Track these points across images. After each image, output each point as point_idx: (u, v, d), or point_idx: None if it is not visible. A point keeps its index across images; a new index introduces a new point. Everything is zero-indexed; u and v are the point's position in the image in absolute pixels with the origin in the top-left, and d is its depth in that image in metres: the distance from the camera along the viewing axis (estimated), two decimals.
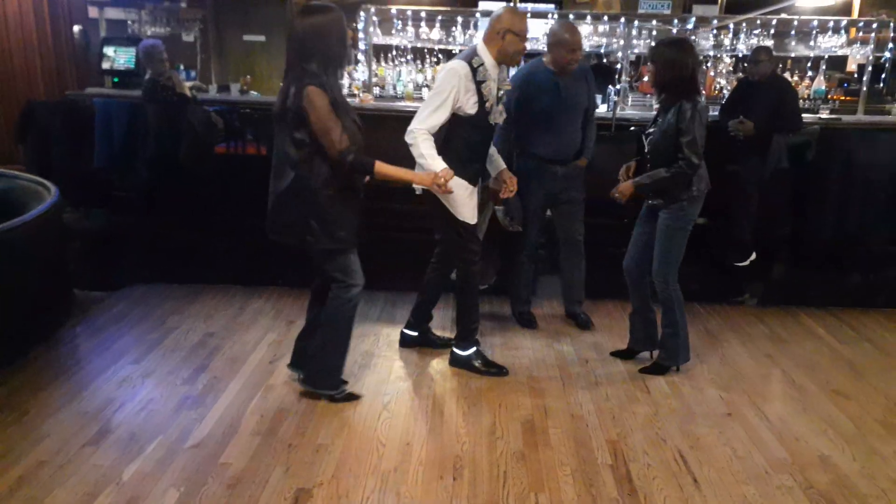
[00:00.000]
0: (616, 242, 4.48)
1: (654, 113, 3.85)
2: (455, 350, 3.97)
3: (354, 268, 3.37)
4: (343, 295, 3.37)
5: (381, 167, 3.21)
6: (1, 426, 3.25)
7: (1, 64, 8.28)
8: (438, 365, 4.03)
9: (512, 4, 7.29)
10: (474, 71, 3.52)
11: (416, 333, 4.23)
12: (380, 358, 4.08)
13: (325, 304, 3.45)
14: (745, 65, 5.75)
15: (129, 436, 3.21)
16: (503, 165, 3.93)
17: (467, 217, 3.69)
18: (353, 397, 3.59)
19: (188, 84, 6.50)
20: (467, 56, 3.56)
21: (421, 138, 3.46)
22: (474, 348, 3.94)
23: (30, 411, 3.39)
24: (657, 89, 3.71)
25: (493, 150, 3.88)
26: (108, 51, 7.31)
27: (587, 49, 7.32)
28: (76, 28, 8.22)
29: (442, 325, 4.52)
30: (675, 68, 3.58)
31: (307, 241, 3.24)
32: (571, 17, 7.14)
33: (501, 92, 3.70)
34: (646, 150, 3.81)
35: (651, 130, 3.79)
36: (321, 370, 3.52)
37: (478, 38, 4.28)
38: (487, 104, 3.57)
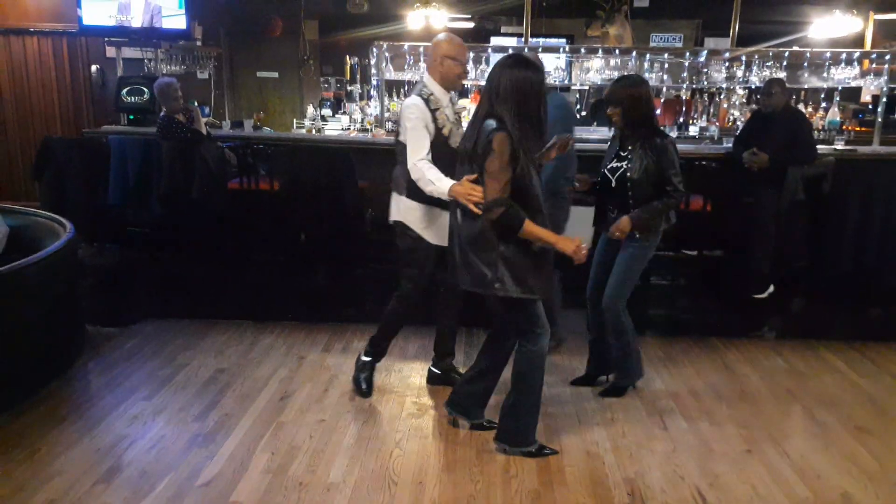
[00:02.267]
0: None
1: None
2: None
3: (541, 314, 3.27)
4: (532, 347, 3.28)
5: (530, 226, 3.07)
6: (12, 464, 3.23)
7: (20, 103, 8.46)
8: None
9: (524, 41, 7.34)
10: (426, 101, 3.58)
11: (438, 371, 4.16)
12: (392, 394, 4.04)
13: (498, 353, 3.46)
14: (759, 97, 5.74)
15: (139, 474, 3.18)
16: None
17: (432, 238, 3.70)
18: (550, 451, 3.44)
19: (203, 121, 6.57)
20: (417, 90, 3.66)
21: (425, 166, 3.46)
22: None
23: (41, 449, 3.37)
24: (630, 128, 3.75)
25: None
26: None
27: (599, 83, 7.36)
28: (94, 67, 8.37)
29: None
30: (642, 104, 3.70)
31: (495, 289, 3.13)
32: (583, 50, 7.20)
33: (461, 114, 3.82)
34: (612, 185, 3.78)
35: (617, 165, 3.77)
36: (517, 429, 3.39)
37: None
38: (444, 130, 3.61)
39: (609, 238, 3.84)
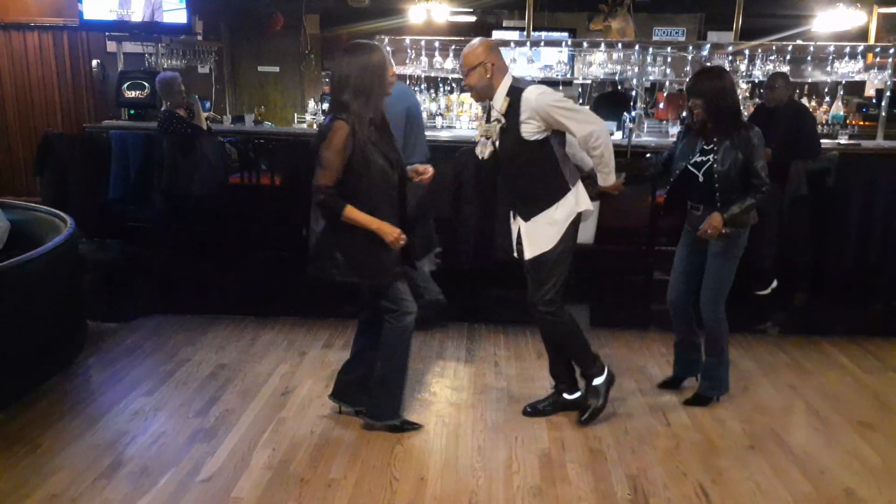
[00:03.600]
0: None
1: (674, 139, 3.80)
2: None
3: (403, 295, 3.35)
4: (398, 324, 3.35)
5: (351, 212, 3.14)
6: (13, 459, 3.23)
7: (21, 97, 8.44)
8: (453, 396, 3.97)
9: (526, 35, 7.31)
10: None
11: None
12: None
13: (372, 336, 3.45)
14: (762, 91, 5.72)
15: (140, 469, 3.17)
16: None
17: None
18: (412, 426, 3.56)
19: (203, 115, 6.55)
20: None
21: (608, 139, 3.42)
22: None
23: (42, 444, 3.36)
24: (713, 120, 3.59)
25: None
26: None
27: (601, 77, 7.34)
28: (94, 62, 8.35)
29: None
30: (726, 95, 3.56)
31: (332, 274, 3.26)
32: (585, 44, 7.17)
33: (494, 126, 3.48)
34: (698, 180, 3.64)
35: (703, 160, 3.63)
36: (382, 402, 3.49)
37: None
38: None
39: (696, 237, 3.73)
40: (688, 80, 3.71)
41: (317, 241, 3.34)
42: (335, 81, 3.19)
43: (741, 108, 3.73)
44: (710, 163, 3.61)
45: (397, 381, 3.48)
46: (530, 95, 3.30)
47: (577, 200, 3.48)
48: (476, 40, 3.45)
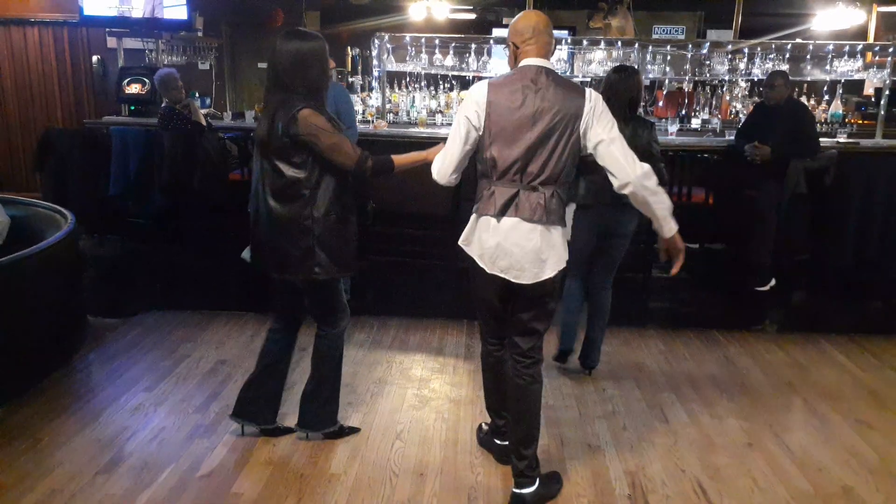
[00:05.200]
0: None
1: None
2: None
3: (342, 298, 3.30)
4: (334, 330, 3.27)
5: (398, 158, 3.15)
6: (14, 454, 3.24)
7: (21, 93, 8.44)
8: (452, 392, 3.98)
9: None
10: None
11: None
12: (392, 386, 4.04)
13: (285, 348, 3.37)
14: (762, 89, 5.73)
15: (141, 464, 3.18)
16: None
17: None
18: (352, 430, 3.50)
19: (203, 111, 6.55)
20: None
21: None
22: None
23: (43, 439, 3.37)
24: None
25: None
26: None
27: (601, 75, 7.33)
28: (94, 58, 8.34)
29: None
30: None
31: (315, 273, 3.07)
32: (585, 42, 7.17)
33: None
34: None
35: None
36: (321, 410, 3.38)
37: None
38: None
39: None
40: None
41: (277, 240, 3.10)
42: (284, 65, 2.97)
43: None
44: None
45: (335, 386, 3.38)
46: None
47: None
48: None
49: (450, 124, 7.13)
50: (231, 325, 4.87)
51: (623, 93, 3.86)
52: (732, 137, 5.86)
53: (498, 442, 3.30)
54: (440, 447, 3.40)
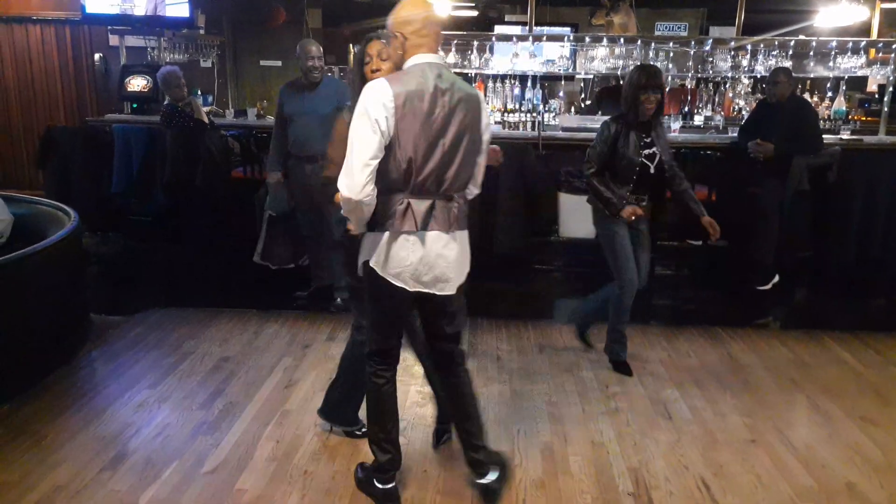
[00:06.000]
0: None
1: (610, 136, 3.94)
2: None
3: None
4: (361, 337, 3.06)
5: None
6: (18, 451, 3.24)
7: (24, 91, 8.44)
8: None
9: (529, 29, 7.30)
10: None
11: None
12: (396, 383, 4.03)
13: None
14: (765, 86, 5.72)
15: (145, 461, 3.19)
16: None
17: None
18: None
19: (206, 109, 6.56)
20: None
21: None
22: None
23: (47, 436, 3.38)
24: (656, 116, 3.94)
25: None
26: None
27: (603, 72, 7.34)
28: (97, 56, 8.35)
29: None
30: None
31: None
32: (588, 39, 7.16)
33: None
34: (651, 172, 3.92)
35: (651, 152, 3.92)
36: (346, 410, 3.37)
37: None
38: None
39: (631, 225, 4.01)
40: (645, 75, 3.85)
41: (348, 251, 2.93)
42: None
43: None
44: (657, 155, 3.91)
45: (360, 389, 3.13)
46: None
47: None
48: None
49: None
50: (234, 322, 4.87)
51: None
52: (735, 134, 5.85)
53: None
54: (444, 444, 3.39)
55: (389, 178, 2.59)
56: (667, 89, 7.64)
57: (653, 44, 7.05)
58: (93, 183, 6.36)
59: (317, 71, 4.88)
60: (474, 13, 9.67)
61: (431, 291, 2.69)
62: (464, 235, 2.75)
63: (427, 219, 2.62)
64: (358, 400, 3.28)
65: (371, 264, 2.67)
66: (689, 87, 7.65)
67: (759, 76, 7.10)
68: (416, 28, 2.61)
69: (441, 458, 3.28)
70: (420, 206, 2.61)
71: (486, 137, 2.77)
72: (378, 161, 2.54)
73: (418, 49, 2.62)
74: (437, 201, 2.64)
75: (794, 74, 5.61)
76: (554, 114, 7.52)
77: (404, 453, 3.28)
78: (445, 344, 2.88)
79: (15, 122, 8.44)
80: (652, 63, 6.95)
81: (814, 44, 6.77)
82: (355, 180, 2.52)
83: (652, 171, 3.90)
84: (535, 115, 7.02)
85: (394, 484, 2.91)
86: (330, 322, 4.88)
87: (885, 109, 6.81)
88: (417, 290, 2.68)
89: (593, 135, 4.05)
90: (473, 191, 2.83)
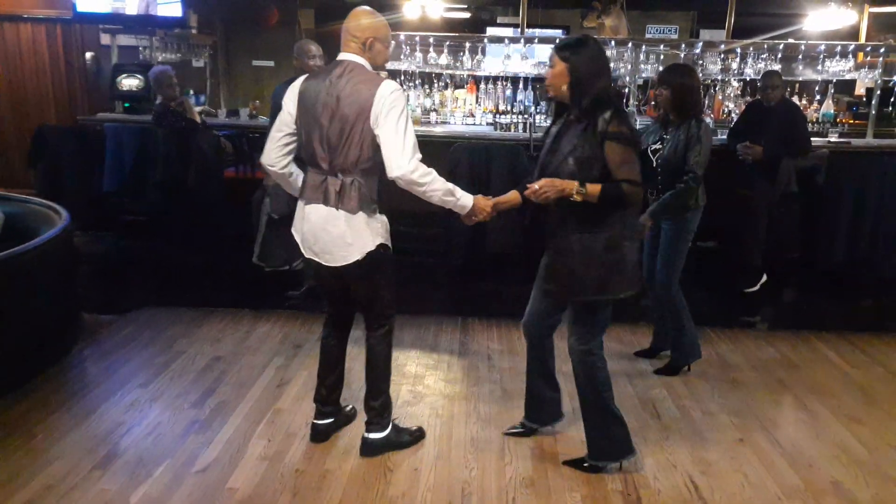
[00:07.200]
0: None
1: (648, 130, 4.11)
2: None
3: None
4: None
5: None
6: (9, 450, 3.25)
7: (14, 90, 8.41)
8: (447, 389, 4.00)
9: (520, 32, 7.33)
10: None
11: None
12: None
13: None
14: (759, 87, 5.74)
15: (136, 460, 3.20)
16: None
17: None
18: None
19: (198, 109, 6.56)
20: (381, 77, 3.00)
21: (433, 174, 2.94)
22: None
23: (38, 435, 3.38)
24: (673, 111, 3.92)
25: None
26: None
27: None
28: (88, 54, 8.32)
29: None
30: (688, 92, 3.87)
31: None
32: None
33: None
34: (655, 167, 3.96)
35: (658, 147, 3.97)
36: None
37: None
38: None
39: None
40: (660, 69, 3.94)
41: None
42: None
43: (703, 105, 4.11)
44: (661, 151, 3.94)
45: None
46: None
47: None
48: None
49: (445, 122, 7.20)
50: (226, 321, 4.88)
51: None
52: (725, 137, 5.89)
53: (318, 422, 3.42)
54: (434, 442, 3.42)
55: (301, 154, 3.06)
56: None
57: (643, 46, 7.08)
58: (84, 182, 6.35)
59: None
60: (466, 15, 9.71)
61: (319, 261, 3.07)
62: (358, 216, 2.96)
63: (315, 192, 2.99)
64: (617, 426, 3.18)
65: (293, 230, 3.19)
66: None
67: (748, 79, 7.14)
68: (343, 32, 3.02)
69: (431, 456, 3.30)
70: (314, 180, 3.01)
71: (379, 130, 2.87)
72: (283, 135, 3.06)
73: (343, 49, 3.01)
74: (329, 178, 2.96)
75: (783, 78, 5.65)
76: (545, 115, 7.54)
77: (395, 451, 3.31)
78: (360, 310, 3.31)
79: (6, 120, 8.40)
80: (642, 66, 7.00)
81: (803, 47, 6.82)
82: (265, 151, 3.13)
83: (654, 164, 3.96)
84: (526, 116, 7.04)
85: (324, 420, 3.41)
86: (321, 322, 4.86)
87: (873, 113, 6.87)
88: (310, 257, 3.10)
89: None
90: (393, 173, 2.87)
